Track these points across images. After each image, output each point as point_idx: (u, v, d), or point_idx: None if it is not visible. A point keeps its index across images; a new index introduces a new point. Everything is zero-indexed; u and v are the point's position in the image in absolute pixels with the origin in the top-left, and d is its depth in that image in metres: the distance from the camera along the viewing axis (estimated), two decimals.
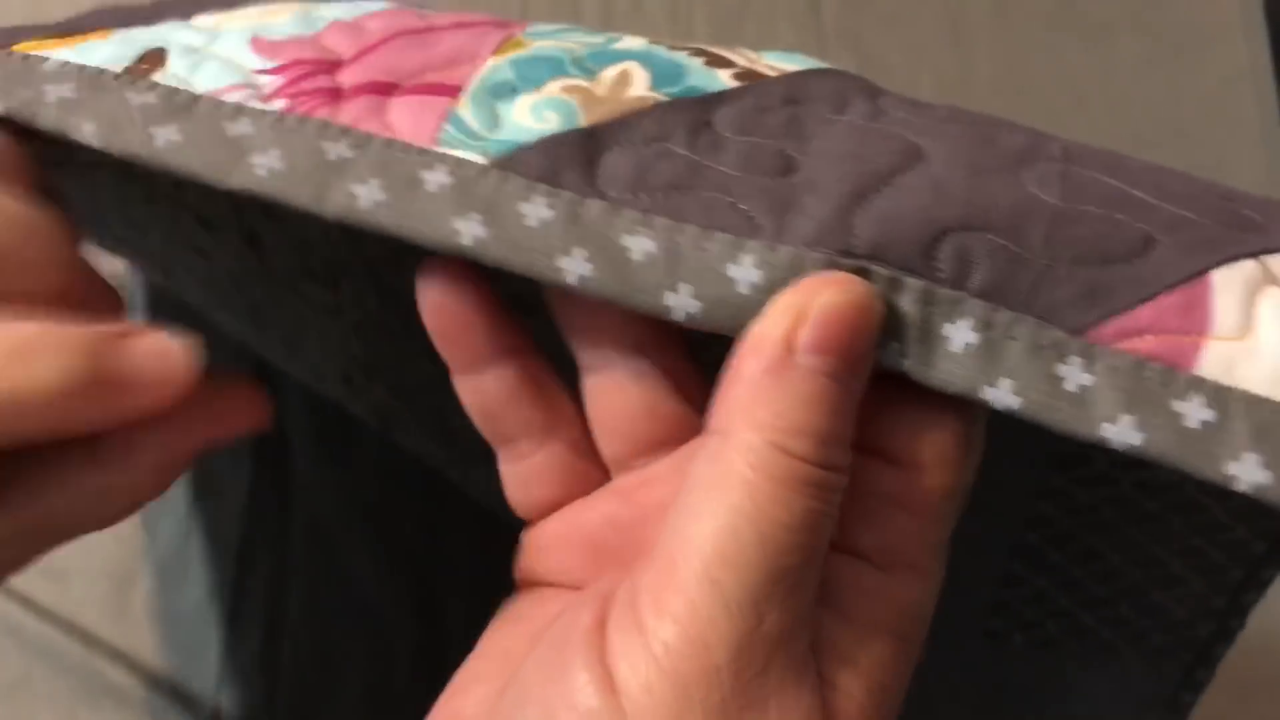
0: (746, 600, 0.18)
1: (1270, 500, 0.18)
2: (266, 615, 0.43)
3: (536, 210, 0.20)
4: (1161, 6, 0.51)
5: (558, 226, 0.20)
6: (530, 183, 0.20)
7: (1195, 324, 0.19)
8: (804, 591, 0.19)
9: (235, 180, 0.21)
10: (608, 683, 0.18)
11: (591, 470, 0.23)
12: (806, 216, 0.20)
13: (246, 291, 0.37)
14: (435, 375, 0.36)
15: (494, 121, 0.21)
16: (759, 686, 0.18)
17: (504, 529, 0.35)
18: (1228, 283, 0.19)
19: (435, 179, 0.20)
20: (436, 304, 0.22)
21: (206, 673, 0.43)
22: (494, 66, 0.23)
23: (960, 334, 0.19)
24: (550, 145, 0.21)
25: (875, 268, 0.19)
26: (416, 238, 0.21)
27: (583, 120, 0.21)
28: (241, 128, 0.21)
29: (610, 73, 0.23)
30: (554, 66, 0.23)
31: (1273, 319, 0.19)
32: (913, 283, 0.19)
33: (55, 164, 0.31)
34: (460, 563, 0.43)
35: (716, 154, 0.21)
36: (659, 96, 0.22)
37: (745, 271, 0.19)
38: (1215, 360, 0.19)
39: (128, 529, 0.44)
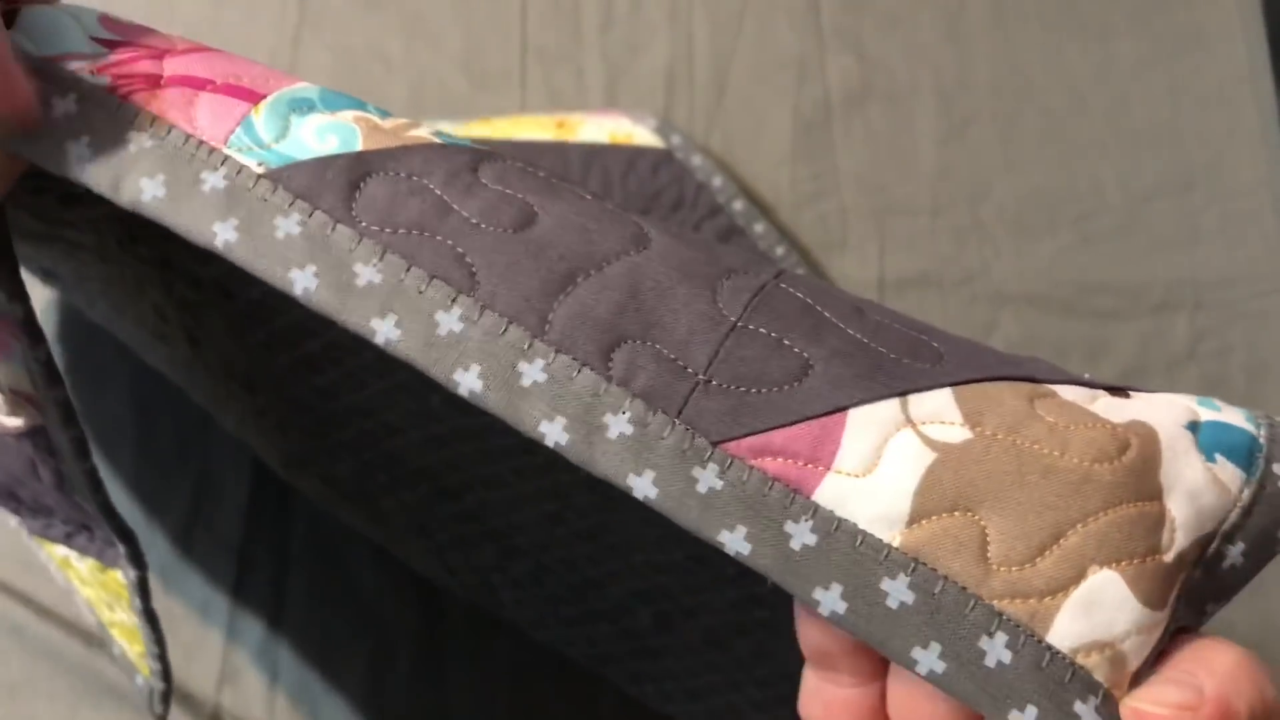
0: None
1: (848, 631, 0.20)
2: (266, 615, 0.43)
3: (288, 225, 0.22)
4: (1161, 7, 0.51)
5: (301, 243, 0.22)
6: (292, 198, 0.22)
7: (823, 455, 0.20)
8: None
9: (55, 169, 0.23)
10: None
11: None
12: (518, 287, 0.21)
13: (204, 387, 0.39)
14: (360, 468, 0.37)
15: (282, 132, 0.23)
16: None
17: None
18: (863, 422, 0.20)
19: (212, 181, 0.22)
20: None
21: (207, 672, 0.43)
22: (304, 86, 0.24)
23: (618, 425, 0.20)
24: (319, 165, 0.22)
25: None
26: (182, 233, 0.22)
27: (359, 145, 0.22)
28: (68, 106, 0.23)
29: (404, 120, 0.24)
30: (357, 104, 0.24)
31: (894, 461, 0.20)
32: (585, 375, 0.21)
33: (47, 239, 0.32)
34: None
35: (466, 198, 0.22)
36: (437, 141, 0.23)
37: (450, 320, 0.21)
38: (832, 492, 0.20)
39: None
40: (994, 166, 0.49)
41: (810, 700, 0.23)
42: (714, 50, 0.50)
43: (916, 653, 0.20)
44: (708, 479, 0.20)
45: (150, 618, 0.32)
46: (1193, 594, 0.21)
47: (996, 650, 0.19)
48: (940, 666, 0.19)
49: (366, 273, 0.21)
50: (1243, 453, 0.21)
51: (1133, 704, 0.19)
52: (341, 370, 0.32)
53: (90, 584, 0.34)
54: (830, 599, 0.20)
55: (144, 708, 0.36)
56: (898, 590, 0.20)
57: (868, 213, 0.49)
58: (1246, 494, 0.21)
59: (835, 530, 0.20)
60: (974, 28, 0.50)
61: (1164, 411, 0.21)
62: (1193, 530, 0.20)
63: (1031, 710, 0.19)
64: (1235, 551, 0.21)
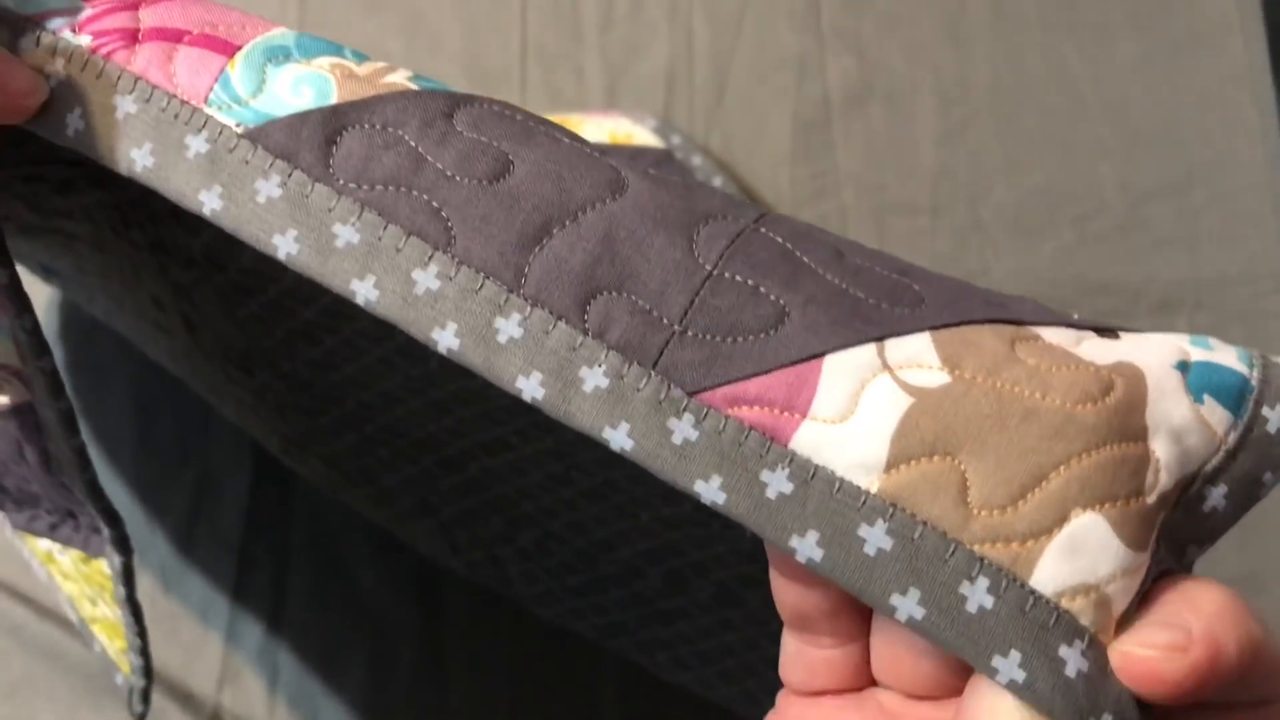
0: None
1: (824, 576, 0.20)
2: (266, 615, 0.44)
3: (269, 188, 0.22)
4: (1160, 7, 0.51)
5: (282, 205, 0.22)
6: (271, 159, 0.22)
7: (799, 403, 0.20)
8: None
9: (60, 141, 0.22)
10: None
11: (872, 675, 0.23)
12: (493, 240, 0.21)
13: (204, 374, 0.39)
14: (360, 444, 0.37)
15: (259, 86, 0.22)
16: None
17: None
18: (839, 368, 0.20)
19: (195, 146, 0.22)
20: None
21: (207, 672, 0.43)
22: (280, 33, 0.24)
23: (593, 379, 0.20)
24: (296, 121, 0.22)
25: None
26: (174, 200, 0.22)
27: (334, 97, 0.22)
28: (58, 75, 0.23)
29: (381, 64, 0.24)
30: (334, 49, 0.24)
31: (871, 407, 0.20)
32: (561, 329, 0.21)
33: (44, 231, 0.32)
34: None
35: (441, 148, 0.22)
36: (413, 86, 0.23)
37: (427, 278, 0.21)
38: (808, 439, 0.20)
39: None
40: (994, 166, 0.49)
41: (791, 665, 0.23)
42: (714, 50, 0.50)
43: (895, 599, 0.19)
44: (683, 429, 0.20)
45: (134, 607, 0.31)
46: (1173, 535, 0.20)
47: (978, 595, 0.19)
48: (920, 613, 0.19)
49: (345, 233, 0.21)
50: (1232, 394, 0.21)
51: (1121, 648, 0.19)
52: (338, 338, 0.32)
53: (73, 578, 0.34)
54: (806, 546, 0.19)
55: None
56: (875, 536, 0.19)
57: (868, 213, 0.49)
58: (1233, 436, 0.20)
59: (812, 477, 0.20)
60: (974, 28, 0.50)
61: (1153, 351, 0.21)
62: (1176, 472, 0.20)
63: (1015, 655, 0.19)
64: (1217, 494, 0.20)
